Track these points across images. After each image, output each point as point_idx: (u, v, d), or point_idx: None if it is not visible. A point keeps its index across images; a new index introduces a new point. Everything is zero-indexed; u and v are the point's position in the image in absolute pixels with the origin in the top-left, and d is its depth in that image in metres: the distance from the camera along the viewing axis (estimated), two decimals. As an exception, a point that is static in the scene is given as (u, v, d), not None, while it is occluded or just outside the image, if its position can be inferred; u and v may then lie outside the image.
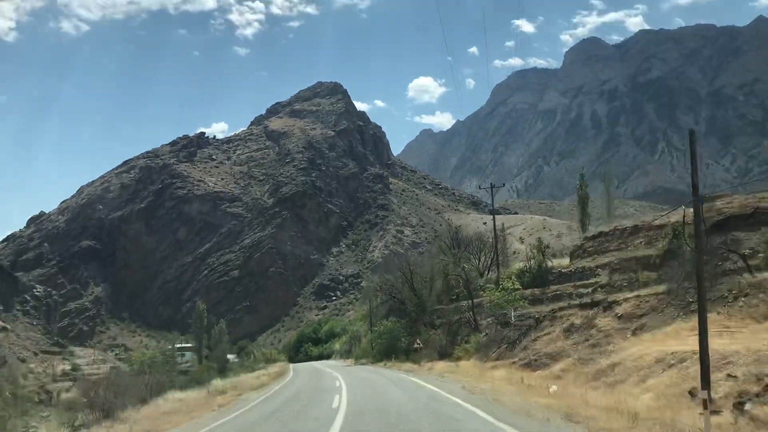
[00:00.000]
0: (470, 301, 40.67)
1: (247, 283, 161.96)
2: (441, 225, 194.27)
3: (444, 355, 38.50)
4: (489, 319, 37.50)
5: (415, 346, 42.49)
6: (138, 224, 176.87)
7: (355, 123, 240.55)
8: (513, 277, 37.40)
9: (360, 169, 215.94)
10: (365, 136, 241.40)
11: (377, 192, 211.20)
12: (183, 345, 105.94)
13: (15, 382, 50.68)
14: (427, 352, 40.92)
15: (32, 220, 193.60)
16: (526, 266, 41.40)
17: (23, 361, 66.65)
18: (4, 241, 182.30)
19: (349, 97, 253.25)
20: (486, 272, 51.67)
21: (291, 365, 66.58)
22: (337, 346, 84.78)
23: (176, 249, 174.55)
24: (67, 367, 66.97)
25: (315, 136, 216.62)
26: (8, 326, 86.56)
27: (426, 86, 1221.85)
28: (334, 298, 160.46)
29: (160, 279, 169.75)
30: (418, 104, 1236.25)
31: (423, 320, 46.83)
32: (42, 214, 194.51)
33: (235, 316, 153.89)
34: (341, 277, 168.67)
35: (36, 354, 70.23)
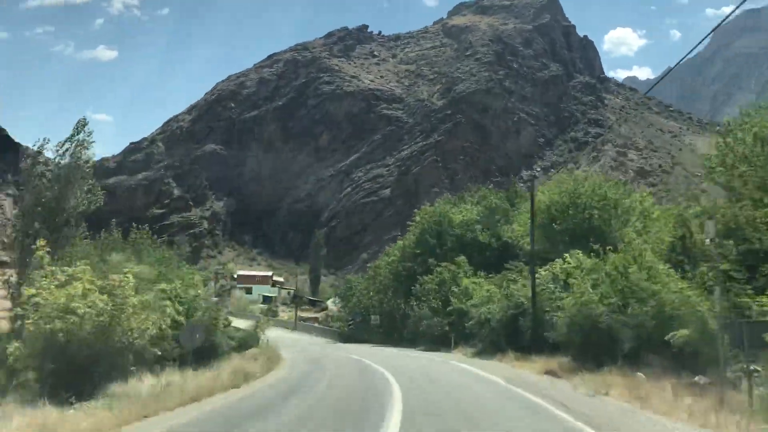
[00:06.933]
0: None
1: (401, 206, 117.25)
2: (680, 150, 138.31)
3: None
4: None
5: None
6: (274, 126, 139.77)
7: (558, 21, 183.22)
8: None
9: (565, 74, 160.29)
10: (572, 39, 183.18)
11: (588, 105, 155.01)
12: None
13: None
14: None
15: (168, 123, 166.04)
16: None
17: None
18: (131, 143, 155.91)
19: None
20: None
21: None
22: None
23: (316, 159, 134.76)
24: None
25: (506, 30, 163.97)
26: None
27: (624, 38, 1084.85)
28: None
29: (292, 196, 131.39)
30: (613, 57, 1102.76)
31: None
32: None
33: (380, 249, 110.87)
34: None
35: None
